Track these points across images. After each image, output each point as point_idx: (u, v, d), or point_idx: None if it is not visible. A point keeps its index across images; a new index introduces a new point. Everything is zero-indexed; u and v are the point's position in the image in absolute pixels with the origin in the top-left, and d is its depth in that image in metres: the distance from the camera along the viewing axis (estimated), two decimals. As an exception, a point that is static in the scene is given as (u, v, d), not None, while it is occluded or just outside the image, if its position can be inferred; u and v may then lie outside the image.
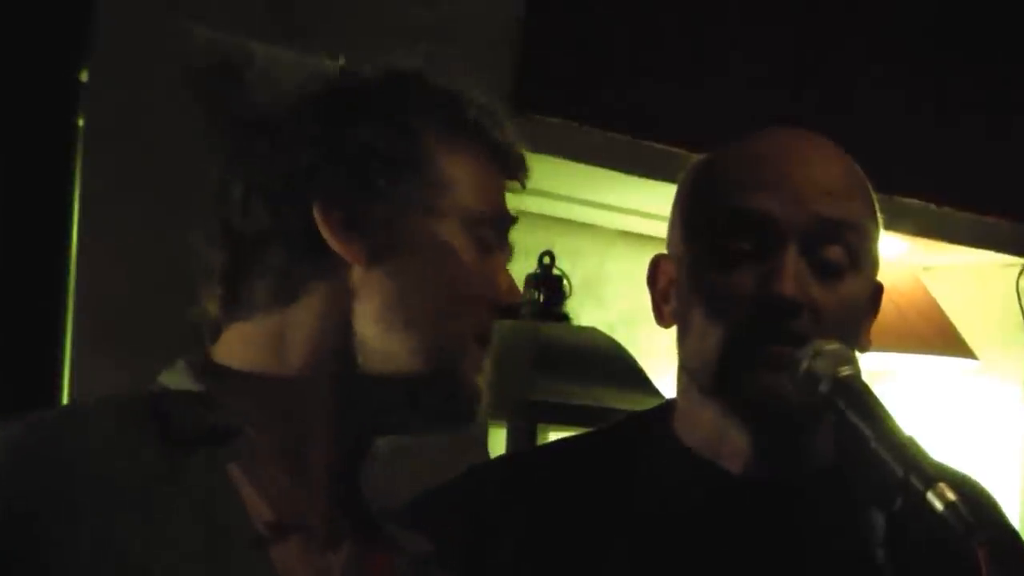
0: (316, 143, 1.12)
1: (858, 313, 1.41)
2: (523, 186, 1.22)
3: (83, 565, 1.03)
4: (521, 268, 2.66)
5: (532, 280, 2.63)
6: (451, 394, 1.13)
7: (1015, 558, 1.47)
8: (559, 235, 2.74)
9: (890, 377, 3.12)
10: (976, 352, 3.07)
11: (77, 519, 1.03)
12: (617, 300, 2.82)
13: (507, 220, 1.19)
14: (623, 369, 2.56)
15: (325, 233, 1.10)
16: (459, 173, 1.15)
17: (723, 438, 1.41)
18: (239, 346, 1.14)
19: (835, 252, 1.37)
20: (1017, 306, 3.14)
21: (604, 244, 2.86)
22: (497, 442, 2.51)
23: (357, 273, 1.11)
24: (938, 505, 1.23)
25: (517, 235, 2.68)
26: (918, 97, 2.87)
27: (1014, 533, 1.50)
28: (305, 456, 1.12)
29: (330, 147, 1.12)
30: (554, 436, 2.56)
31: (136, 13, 1.99)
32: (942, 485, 1.24)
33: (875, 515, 1.38)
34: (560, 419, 2.51)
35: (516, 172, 1.21)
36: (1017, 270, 3.15)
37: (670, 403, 1.47)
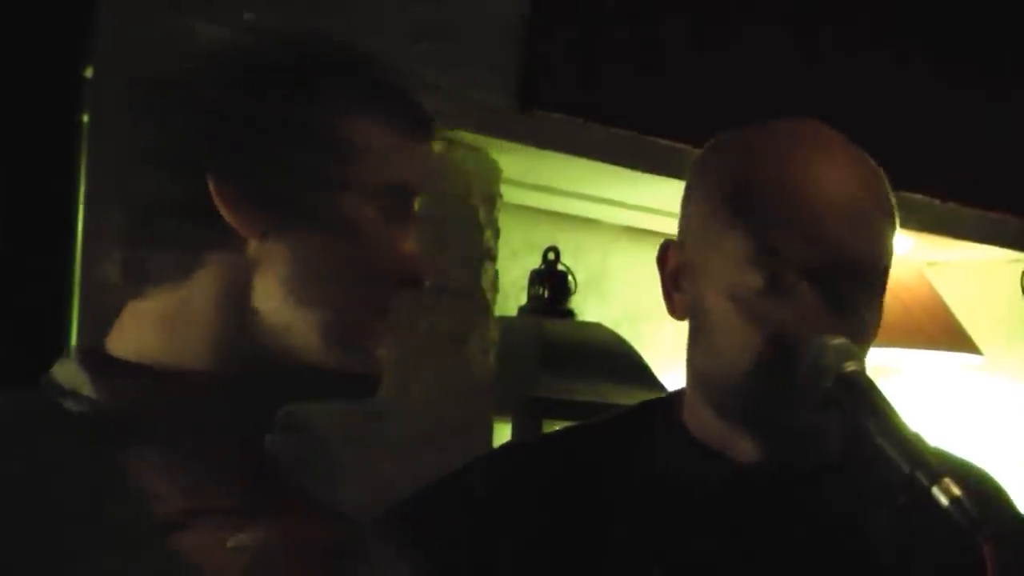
0: (215, 110, 1.08)
1: (872, 329, 1.39)
2: (431, 148, 1.17)
3: None
4: (525, 264, 2.66)
5: (537, 276, 2.63)
6: (351, 367, 1.10)
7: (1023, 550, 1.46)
8: (563, 231, 2.74)
9: (895, 373, 3.11)
10: (980, 348, 3.07)
11: None
12: (621, 296, 2.82)
13: (416, 189, 1.14)
14: (627, 365, 2.56)
15: (219, 205, 1.07)
16: (368, 142, 1.10)
17: (731, 438, 1.40)
18: (135, 331, 1.10)
19: (853, 287, 1.35)
20: (1022, 302, 3.14)
21: (608, 240, 2.86)
22: (502, 438, 2.51)
23: (254, 245, 1.07)
24: (943, 500, 1.23)
25: (522, 231, 2.69)
26: (923, 93, 2.87)
27: (1022, 524, 1.49)
28: (207, 438, 1.10)
29: (228, 115, 1.08)
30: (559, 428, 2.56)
31: (138, 10, 1.99)
32: (947, 480, 1.24)
33: (881, 509, 1.38)
34: (565, 415, 2.50)
35: (427, 136, 1.15)
36: (1021, 266, 3.14)
37: (678, 394, 1.46)
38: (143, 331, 1.10)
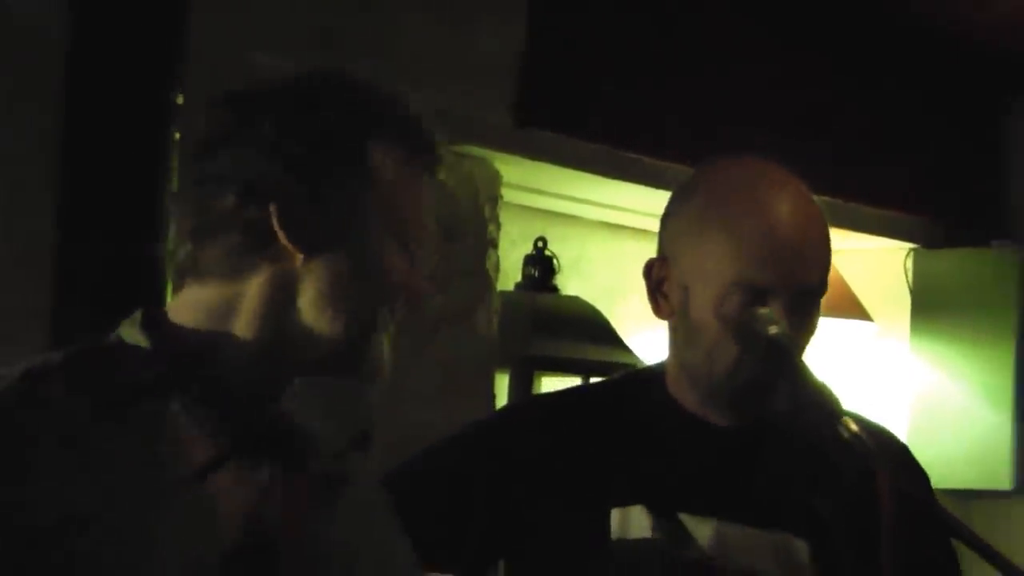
0: (278, 151, 1.05)
1: (816, 324, 1.39)
2: (438, 171, 1.11)
3: (30, 517, 0.98)
4: (521, 250, 2.65)
5: (529, 260, 2.63)
6: (363, 358, 1.09)
7: (911, 476, 1.46)
8: (551, 224, 2.73)
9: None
10: (873, 316, 3.08)
11: (27, 473, 0.98)
12: (596, 276, 2.81)
13: (427, 222, 1.11)
14: (600, 329, 2.56)
15: (278, 229, 1.05)
16: (393, 183, 1.07)
17: (709, 408, 1.39)
18: (192, 309, 1.07)
19: (813, 304, 1.36)
20: (904, 281, 3.14)
21: (586, 232, 2.85)
22: (502, 386, 2.51)
23: (300, 261, 1.05)
24: (845, 435, 1.24)
25: (518, 224, 2.68)
26: (835, 119, 2.87)
27: (908, 455, 1.48)
28: (237, 398, 1.07)
29: (289, 156, 1.05)
30: (547, 380, 2.57)
31: (218, 48, 1.98)
32: (847, 419, 1.24)
33: (816, 443, 1.37)
34: (552, 368, 2.51)
35: (433, 164, 1.11)
36: (905, 252, 3.15)
37: (661, 369, 1.43)
38: (198, 312, 1.07)
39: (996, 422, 2.96)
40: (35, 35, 1.90)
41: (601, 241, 2.83)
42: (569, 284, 2.66)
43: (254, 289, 1.06)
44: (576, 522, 1.36)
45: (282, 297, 1.06)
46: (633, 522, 1.35)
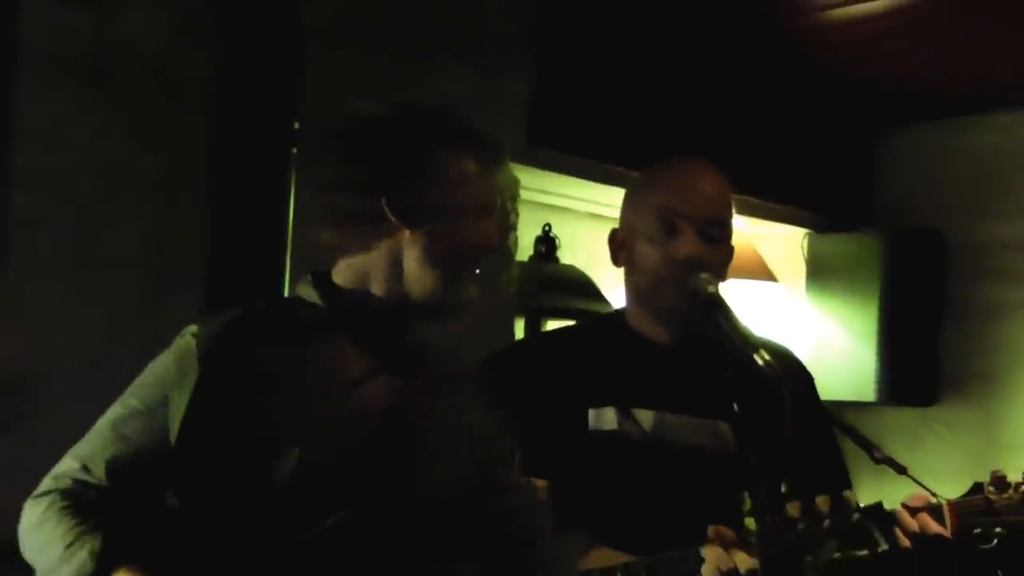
0: (383, 159, 1.10)
1: (725, 261, 1.41)
2: (499, 164, 1.17)
3: (252, 404, 1.05)
4: (531, 234, 2.66)
5: (538, 240, 2.64)
6: (451, 301, 1.13)
7: (807, 383, 1.46)
8: (554, 215, 2.74)
9: (732, 292, 3.11)
10: (779, 279, 3.08)
11: (250, 375, 1.06)
12: (584, 252, 2.82)
13: (494, 199, 1.16)
14: (588, 289, 2.57)
15: (389, 213, 1.09)
16: (466, 175, 1.12)
17: (655, 330, 1.41)
18: (343, 273, 1.14)
19: (716, 232, 1.38)
20: (800, 254, 3.14)
21: (579, 221, 2.86)
22: (519, 327, 2.52)
23: (407, 234, 1.10)
24: (760, 362, 1.24)
25: (530, 216, 2.68)
26: (756, 140, 2.86)
27: (804, 369, 1.48)
28: (379, 332, 1.13)
29: (391, 162, 1.10)
30: (550, 324, 2.57)
31: (320, 87, 1.98)
32: (762, 351, 1.24)
33: (737, 361, 1.38)
34: (553, 315, 2.52)
35: (495, 160, 1.17)
36: (802, 235, 3.15)
37: (623, 310, 1.46)
38: (347, 275, 1.13)
39: (864, 354, 2.98)
40: (184, 79, 1.89)
41: (589, 227, 2.83)
42: (566, 256, 2.67)
43: (379, 259, 1.11)
44: (563, 418, 1.38)
45: (395, 263, 1.11)
46: (604, 418, 1.37)
